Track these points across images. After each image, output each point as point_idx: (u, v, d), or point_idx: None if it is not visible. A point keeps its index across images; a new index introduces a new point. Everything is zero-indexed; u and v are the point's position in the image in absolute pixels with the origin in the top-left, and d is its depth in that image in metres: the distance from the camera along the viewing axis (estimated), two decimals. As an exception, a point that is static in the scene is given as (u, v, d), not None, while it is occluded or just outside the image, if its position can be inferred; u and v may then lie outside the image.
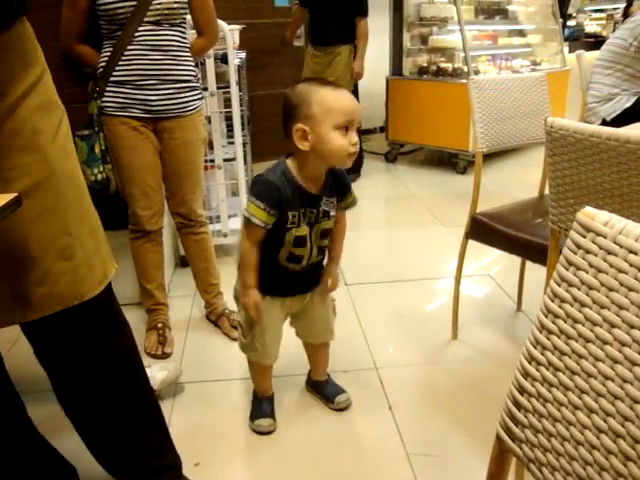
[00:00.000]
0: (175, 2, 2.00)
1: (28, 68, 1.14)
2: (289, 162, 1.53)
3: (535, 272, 2.27)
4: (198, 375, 2.08)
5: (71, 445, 1.61)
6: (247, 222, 1.51)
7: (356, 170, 4.46)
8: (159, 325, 2.28)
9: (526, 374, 0.63)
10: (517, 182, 4.01)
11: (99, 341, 1.33)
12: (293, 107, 1.47)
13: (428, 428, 1.82)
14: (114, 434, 1.42)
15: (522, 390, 0.63)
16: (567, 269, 0.59)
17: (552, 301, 0.60)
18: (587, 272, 0.58)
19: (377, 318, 2.46)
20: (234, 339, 2.28)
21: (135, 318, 2.45)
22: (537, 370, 0.62)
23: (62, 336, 1.27)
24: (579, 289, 0.58)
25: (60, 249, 1.17)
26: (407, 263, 3.04)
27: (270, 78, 4.75)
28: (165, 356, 2.20)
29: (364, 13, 4.05)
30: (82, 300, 1.22)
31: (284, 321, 1.78)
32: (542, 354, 0.61)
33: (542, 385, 0.61)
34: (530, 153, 4.51)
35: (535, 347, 0.62)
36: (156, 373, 1.93)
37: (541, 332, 0.61)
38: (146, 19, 1.97)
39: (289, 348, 1.91)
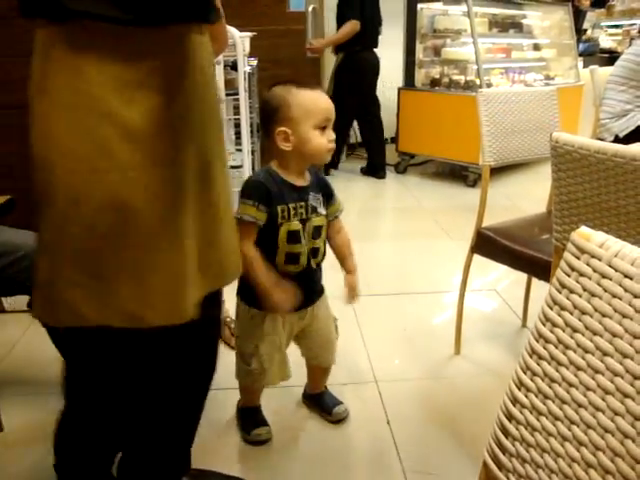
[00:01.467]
0: None
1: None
2: (272, 164, 1.60)
3: (542, 288, 2.24)
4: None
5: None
6: (239, 223, 1.48)
7: (334, 165, 4.99)
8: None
9: (515, 400, 0.60)
10: (526, 196, 3.97)
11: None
12: (273, 110, 1.52)
13: (426, 444, 1.78)
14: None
15: (510, 417, 0.60)
16: (560, 292, 0.57)
17: (544, 325, 0.58)
18: (580, 296, 0.55)
19: (379, 331, 2.43)
20: (233, 347, 2.26)
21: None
22: (526, 397, 0.59)
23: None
24: (571, 314, 0.55)
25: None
26: (412, 276, 3.01)
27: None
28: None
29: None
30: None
31: (288, 344, 1.74)
32: (532, 380, 0.58)
33: (531, 413, 0.58)
34: (539, 167, 4.47)
35: (525, 372, 0.59)
36: None
37: (531, 357, 0.58)
38: None
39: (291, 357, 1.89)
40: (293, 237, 1.58)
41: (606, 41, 7.33)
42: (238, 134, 3.06)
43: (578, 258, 0.56)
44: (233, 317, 2.33)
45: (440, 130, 4.69)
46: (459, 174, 4.75)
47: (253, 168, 3.27)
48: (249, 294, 1.62)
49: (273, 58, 4.43)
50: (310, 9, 4.52)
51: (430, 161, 5.28)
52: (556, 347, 0.56)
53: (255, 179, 1.56)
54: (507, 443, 0.61)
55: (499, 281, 2.89)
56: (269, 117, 1.54)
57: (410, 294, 2.78)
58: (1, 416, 1.82)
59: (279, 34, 4.46)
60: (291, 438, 1.81)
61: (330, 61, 4.90)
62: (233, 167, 2.98)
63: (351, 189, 4.59)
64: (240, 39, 2.76)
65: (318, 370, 1.90)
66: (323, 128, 1.52)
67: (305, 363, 1.89)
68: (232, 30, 2.64)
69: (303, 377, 1.94)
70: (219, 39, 2.19)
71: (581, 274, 0.55)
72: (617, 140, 3.26)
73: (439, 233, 3.60)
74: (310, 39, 4.55)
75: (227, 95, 2.86)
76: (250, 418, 1.84)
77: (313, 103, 1.51)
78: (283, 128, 1.51)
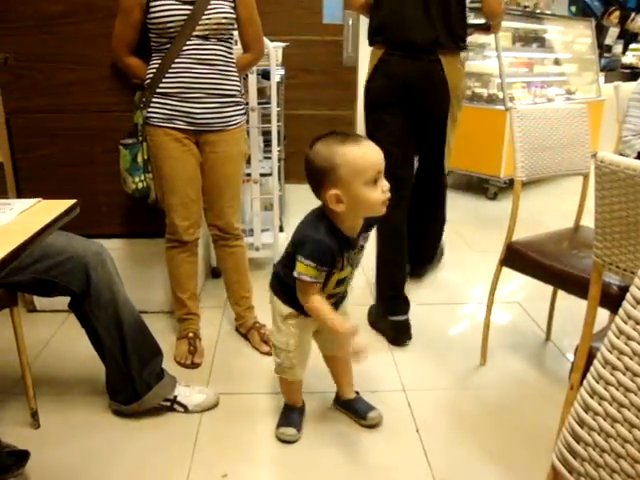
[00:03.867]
0: (224, 17, 2.05)
1: None
2: (328, 213, 1.54)
3: (564, 302, 2.27)
4: (226, 387, 2.09)
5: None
6: (300, 281, 1.53)
7: None
8: (190, 335, 2.31)
9: (587, 408, 0.64)
10: (549, 211, 3.99)
11: None
12: (319, 172, 1.48)
13: (454, 453, 1.81)
14: None
15: (582, 423, 0.64)
16: (626, 323, 0.60)
17: (618, 338, 0.61)
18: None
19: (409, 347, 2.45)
20: (264, 353, 2.30)
21: (165, 326, 2.49)
22: (599, 404, 0.62)
23: None
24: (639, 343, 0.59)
25: None
26: (436, 287, 3.04)
27: (312, 97, 4.68)
28: (194, 366, 2.22)
29: None
30: None
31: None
32: (605, 389, 0.62)
33: (605, 420, 0.62)
34: (562, 182, 4.49)
35: (598, 382, 0.63)
36: (194, 395, 1.96)
37: (605, 367, 0.62)
38: (195, 33, 2.01)
39: (321, 365, 1.93)
40: (341, 282, 1.63)
41: (627, 57, 7.34)
42: (267, 142, 3.12)
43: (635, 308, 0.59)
44: (262, 322, 2.39)
45: (461, 142, 4.66)
46: (478, 186, 4.78)
47: (279, 176, 3.31)
48: (284, 291, 1.67)
49: (304, 67, 4.52)
50: (350, 22, 4.59)
51: (450, 173, 5.30)
52: (631, 359, 0.60)
53: (321, 239, 1.50)
54: (579, 448, 0.64)
55: (519, 293, 2.92)
56: (317, 180, 1.49)
57: (434, 304, 2.81)
58: (38, 414, 1.87)
59: (313, 44, 4.54)
60: (322, 442, 1.84)
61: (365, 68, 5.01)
62: (262, 175, 3.03)
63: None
64: (274, 49, 2.81)
65: (337, 364, 1.92)
66: (375, 181, 1.46)
67: (326, 364, 1.94)
68: (266, 41, 2.69)
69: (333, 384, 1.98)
70: (255, 49, 2.25)
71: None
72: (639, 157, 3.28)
73: (461, 245, 3.63)
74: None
75: (258, 104, 2.91)
76: (285, 415, 1.88)
77: (362, 160, 1.44)
78: (334, 192, 1.45)
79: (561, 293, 2.29)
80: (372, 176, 1.45)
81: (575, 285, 1.82)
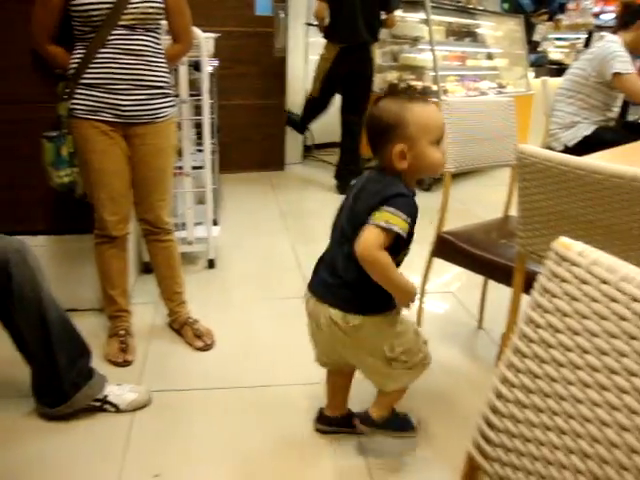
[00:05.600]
0: (151, 7, 2.00)
1: None
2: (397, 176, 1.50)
3: (496, 291, 2.32)
4: (159, 384, 2.05)
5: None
6: (386, 231, 1.41)
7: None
8: (121, 332, 2.25)
9: (499, 395, 0.65)
10: (480, 201, 4.09)
11: None
12: (387, 128, 1.45)
13: (387, 441, 1.83)
14: None
15: (495, 410, 0.65)
16: (543, 296, 0.62)
17: (527, 325, 0.63)
18: (562, 299, 0.60)
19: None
20: (197, 348, 2.28)
21: (96, 324, 2.42)
22: (510, 391, 0.64)
23: None
24: (554, 315, 0.61)
25: None
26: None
27: (244, 88, 4.73)
28: (126, 364, 2.17)
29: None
30: None
31: None
32: (516, 376, 0.64)
33: (515, 406, 0.63)
34: (493, 173, 4.61)
35: (509, 369, 0.64)
36: (126, 393, 1.91)
37: (515, 355, 0.64)
38: (120, 22, 1.95)
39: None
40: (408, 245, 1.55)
41: (554, 53, 7.61)
42: (199, 134, 3.07)
43: (559, 265, 0.61)
44: (195, 317, 2.36)
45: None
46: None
47: (213, 170, 3.27)
48: (371, 295, 1.52)
49: (236, 58, 4.54)
50: (282, 14, 4.69)
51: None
52: (539, 346, 0.62)
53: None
54: (492, 434, 0.66)
55: (453, 283, 2.98)
56: (382, 134, 1.47)
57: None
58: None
59: (245, 35, 4.60)
60: (258, 439, 1.83)
61: (298, 62, 5.01)
62: (194, 168, 2.99)
63: (308, 191, 4.65)
64: (205, 40, 2.76)
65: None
66: (437, 141, 1.47)
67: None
68: (196, 30, 2.64)
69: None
70: (184, 39, 2.21)
71: (562, 280, 0.61)
72: (566, 149, 3.40)
73: (396, 236, 3.67)
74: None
75: (190, 96, 2.86)
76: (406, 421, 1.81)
77: (430, 119, 1.46)
78: (401, 147, 1.43)
79: (493, 282, 2.36)
80: (437, 136, 1.46)
81: (503, 274, 1.86)
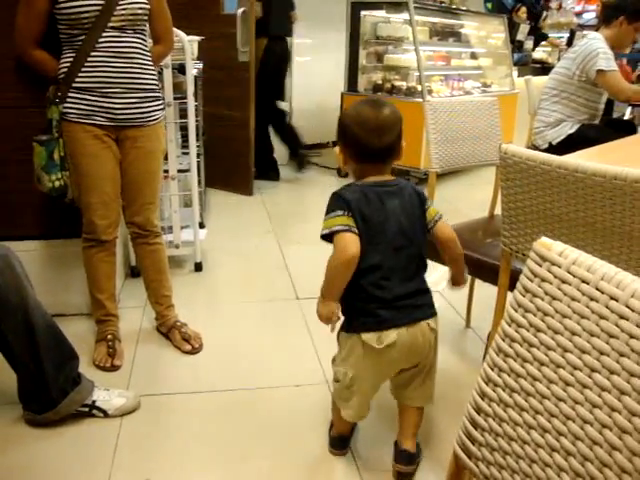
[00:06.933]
0: (140, 8, 2.00)
1: None
2: None
3: (484, 290, 2.34)
4: (147, 389, 2.05)
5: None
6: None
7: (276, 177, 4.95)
8: (109, 337, 2.24)
9: (483, 394, 0.66)
10: (466, 200, 4.11)
11: None
12: (401, 127, 1.52)
13: (378, 441, 1.84)
14: None
15: (479, 410, 0.66)
16: (524, 295, 0.63)
17: (509, 325, 0.64)
18: (542, 299, 0.61)
19: (329, 332, 2.47)
20: (185, 352, 2.27)
21: (84, 329, 2.41)
22: (494, 391, 0.65)
23: None
24: (535, 315, 0.61)
25: None
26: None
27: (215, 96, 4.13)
28: (114, 369, 2.16)
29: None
30: None
31: None
32: (499, 376, 0.64)
33: (498, 405, 0.64)
34: (479, 172, 4.64)
35: (492, 369, 0.65)
36: (114, 398, 1.91)
37: (498, 355, 0.64)
38: (110, 24, 1.95)
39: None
40: None
41: (537, 52, 7.66)
42: (184, 137, 3.06)
43: (540, 265, 0.62)
44: (183, 321, 2.35)
45: (383, 135, 4.78)
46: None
47: (199, 173, 3.27)
48: None
49: (211, 61, 3.89)
50: (240, 12, 4.00)
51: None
52: (521, 345, 0.62)
53: None
54: (476, 434, 0.66)
55: (441, 282, 2.99)
56: (398, 135, 1.55)
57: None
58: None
59: (215, 37, 3.98)
60: (246, 443, 1.83)
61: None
62: (180, 171, 2.98)
63: (295, 192, 4.65)
64: (189, 43, 2.76)
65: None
66: None
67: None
68: (180, 34, 2.64)
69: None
70: (166, 41, 2.21)
71: (543, 280, 0.61)
72: (551, 147, 3.43)
73: (384, 236, 3.68)
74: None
75: (175, 99, 2.85)
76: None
77: None
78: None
79: (480, 281, 2.37)
80: None
81: (489, 273, 1.87)
